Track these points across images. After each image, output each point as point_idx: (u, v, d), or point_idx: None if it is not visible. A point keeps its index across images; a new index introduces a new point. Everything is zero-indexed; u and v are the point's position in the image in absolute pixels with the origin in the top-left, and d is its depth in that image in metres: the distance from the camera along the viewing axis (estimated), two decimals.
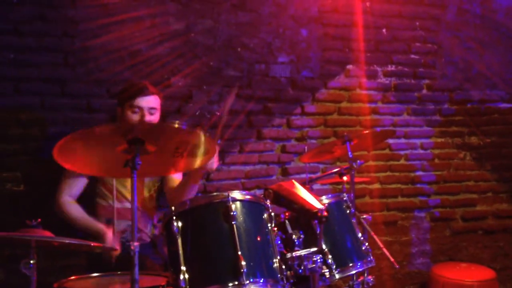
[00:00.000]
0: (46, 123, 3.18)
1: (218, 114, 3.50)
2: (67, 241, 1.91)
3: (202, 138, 1.87)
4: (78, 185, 2.81)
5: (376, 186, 3.97)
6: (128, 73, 3.30)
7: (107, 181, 2.82)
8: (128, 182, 2.72)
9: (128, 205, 2.77)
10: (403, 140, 4.03)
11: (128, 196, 2.78)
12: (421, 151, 4.07)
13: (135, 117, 2.73)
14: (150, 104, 2.76)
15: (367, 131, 3.20)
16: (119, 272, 2.33)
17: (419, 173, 4.07)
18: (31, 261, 1.91)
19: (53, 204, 2.80)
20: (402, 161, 4.04)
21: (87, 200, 2.88)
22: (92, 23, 3.22)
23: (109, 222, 2.72)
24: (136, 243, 1.78)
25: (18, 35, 3.12)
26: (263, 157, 3.69)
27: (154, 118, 2.80)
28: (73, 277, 2.23)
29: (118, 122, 2.85)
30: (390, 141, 3.99)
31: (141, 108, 2.74)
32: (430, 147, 4.09)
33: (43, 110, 3.17)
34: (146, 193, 2.91)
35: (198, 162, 2.05)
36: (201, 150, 1.95)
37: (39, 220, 1.94)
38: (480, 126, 4.18)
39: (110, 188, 2.79)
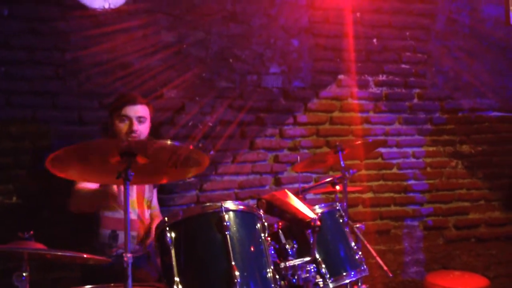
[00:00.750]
0: (38, 136, 3.17)
1: (211, 125, 3.52)
2: (60, 253, 1.90)
3: (193, 151, 1.88)
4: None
5: (369, 195, 3.98)
6: (119, 84, 3.30)
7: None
8: (133, 192, 2.76)
9: (132, 216, 2.76)
10: (395, 149, 4.05)
11: (134, 204, 2.80)
12: (413, 160, 4.09)
13: (123, 126, 2.73)
14: (138, 113, 2.75)
15: (359, 141, 3.21)
16: (112, 284, 2.32)
17: (412, 181, 4.09)
18: (24, 274, 1.89)
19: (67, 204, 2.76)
20: (394, 170, 4.05)
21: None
22: (83, 34, 3.24)
23: (114, 234, 2.71)
24: (129, 255, 1.77)
25: (8, 48, 3.12)
26: (256, 167, 3.69)
27: (144, 127, 2.79)
28: None
29: (109, 133, 2.85)
30: (382, 150, 4.00)
31: (129, 118, 2.73)
32: (422, 156, 4.11)
33: (34, 123, 3.17)
34: (145, 206, 2.91)
35: (191, 173, 2.06)
36: (192, 162, 1.96)
37: (32, 232, 1.93)
38: (471, 134, 4.21)
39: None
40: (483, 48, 4.23)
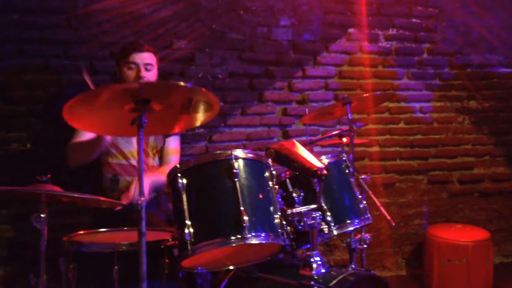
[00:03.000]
0: (50, 85, 3.23)
1: (220, 77, 3.54)
2: (76, 195, 1.98)
3: (206, 94, 1.91)
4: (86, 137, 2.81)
5: (375, 149, 4.03)
6: (131, 35, 3.33)
7: (115, 142, 2.86)
8: (134, 140, 2.82)
9: (133, 162, 2.84)
10: (403, 104, 4.07)
11: (134, 154, 2.86)
12: (420, 115, 4.12)
13: (131, 73, 2.79)
14: (145, 60, 2.80)
15: (366, 94, 3.23)
16: (125, 228, 2.42)
17: (418, 136, 4.13)
18: (42, 215, 1.98)
19: (63, 159, 2.82)
20: (401, 125, 4.09)
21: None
22: None
23: (115, 178, 2.80)
24: (143, 198, 1.84)
25: None
26: (264, 119, 3.74)
27: (151, 74, 2.83)
28: (81, 232, 2.33)
29: (118, 81, 2.89)
30: (390, 104, 4.03)
31: (136, 64, 2.78)
32: (429, 111, 4.14)
33: (47, 71, 3.22)
34: (150, 153, 2.98)
35: (201, 119, 2.10)
36: (205, 106, 1.99)
37: (49, 176, 2.01)
38: (479, 90, 4.22)
39: (115, 145, 2.85)
40: (495, 2, 4.18)
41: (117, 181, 2.82)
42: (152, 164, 2.99)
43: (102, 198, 2.06)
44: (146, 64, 2.80)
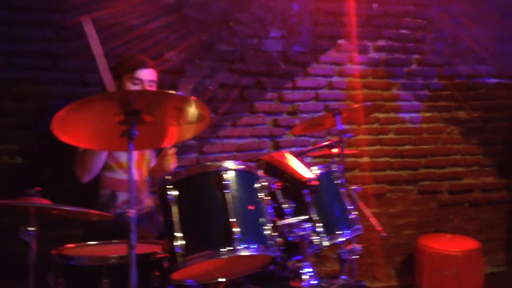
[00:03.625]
0: (41, 97, 3.21)
1: (211, 88, 3.55)
2: (66, 208, 1.97)
3: (196, 105, 1.91)
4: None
5: (366, 159, 4.05)
6: (123, 49, 3.31)
7: (113, 153, 2.83)
8: (134, 153, 2.82)
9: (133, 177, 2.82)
10: (392, 114, 4.10)
11: (134, 165, 2.84)
12: (410, 125, 4.15)
13: (136, 89, 2.76)
14: (149, 77, 2.78)
15: (356, 105, 3.25)
16: (115, 241, 2.41)
17: (408, 146, 4.15)
18: (31, 228, 1.96)
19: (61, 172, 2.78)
20: (391, 135, 4.11)
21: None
22: None
23: (112, 194, 2.78)
24: (133, 211, 1.83)
25: (10, 9, 3.12)
26: (255, 130, 3.75)
27: None
28: (70, 245, 2.31)
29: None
30: (380, 115, 4.06)
31: (141, 80, 2.76)
32: (418, 121, 4.17)
33: (37, 84, 3.20)
34: (144, 166, 2.96)
35: (191, 131, 2.10)
36: (195, 117, 1.99)
37: (39, 188, 2.00)
38: (467, 101, 4.26)
39: (115, 159, 2.83)
40: (482, 13, 4.23)
41: (114, 197, 2.80)
42: (144, 179, 2.98)
43: (91, 211, 2.05)
44: (150, 80, 2.79)
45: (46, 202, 1.96)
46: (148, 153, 3.00)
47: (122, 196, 2.81)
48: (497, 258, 4.39)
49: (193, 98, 1.86)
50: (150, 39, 3.40)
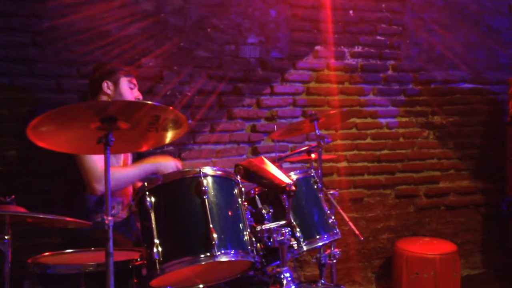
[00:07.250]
0: (16, 104, 3.17)
1: (189, 94, 3.55)
2: (41, 216, 1.94)
3: (173, 113, 1.91)
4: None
5: (343, 164, 4.08)
6: (98, 53, 3.30)
7: None
8: (121, 159, 2.81)
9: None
10: (369, 120, 4.14)
11: None
12: (387, 130, 4.20)
13: (134, 93, 2.92)
14: (137, 84, 2.98)
15: (334, 111, 3.28)
16: (92, 248, 2.38)
17: (385, 151, 4.20)
18: (6, 237, 1.93)
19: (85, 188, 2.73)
20: (368, 140, 4.15)
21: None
22: (60, 1, 3.21)
23: (100, 199, 2.75)
24: (110, 218, 1.82)
25: None
26: (234, 136, 3.75)
27: None
28: (47, 253, 2.27)
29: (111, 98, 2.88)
30: (357, 120, 4.10)
31: (135, 85, 2.93)
32: (395, 127, 4.22)
33: (12, 90, 3.16)
34: None
35: (170, 137, 2.10)
36: (172, 124, 1.99)
37: (13, 196, 1.97)
38: (443, 106, 4.33)
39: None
40: (456, 20, 4.32)
41: (102, 203, 2.77)
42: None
43: (68, 218, 2.03)
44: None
45: (21, 210, 1.92)
46: (130, 157, 3.01)
47: (112, 201, 2.79)
48: (473, 261, 4.46)
49: (169, 107, 1.85)
50: (127, 44, 3.38)
